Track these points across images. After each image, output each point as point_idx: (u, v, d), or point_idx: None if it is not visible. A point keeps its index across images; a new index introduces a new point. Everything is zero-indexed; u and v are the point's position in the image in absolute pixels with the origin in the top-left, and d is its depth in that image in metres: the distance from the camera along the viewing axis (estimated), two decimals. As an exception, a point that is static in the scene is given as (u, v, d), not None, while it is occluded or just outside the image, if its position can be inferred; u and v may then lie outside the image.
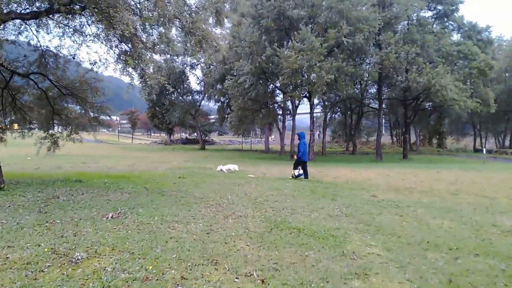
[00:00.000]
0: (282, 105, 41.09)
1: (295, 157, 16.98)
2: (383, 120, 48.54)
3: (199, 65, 53.39)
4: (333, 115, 60.29)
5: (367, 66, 34.58)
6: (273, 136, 67.46)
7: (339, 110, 57.12)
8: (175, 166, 22.68)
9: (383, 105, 39.20)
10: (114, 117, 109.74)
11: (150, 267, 4.86)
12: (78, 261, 5.02)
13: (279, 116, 44.76)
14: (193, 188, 12.21)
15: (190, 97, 58.55)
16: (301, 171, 16.37)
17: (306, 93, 31.22)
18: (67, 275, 4.56)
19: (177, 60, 53.36)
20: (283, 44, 29.86)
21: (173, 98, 57.30)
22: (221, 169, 19.32)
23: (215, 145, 72.89)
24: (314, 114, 34.71)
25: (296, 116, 40.91)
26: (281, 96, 37.43)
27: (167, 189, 11.90)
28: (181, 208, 8.85)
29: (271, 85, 36.74)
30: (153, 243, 5.91)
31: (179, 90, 57.00)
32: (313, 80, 27.38)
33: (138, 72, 10.99)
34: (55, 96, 14.06)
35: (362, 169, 23.29)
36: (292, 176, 16.29)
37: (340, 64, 27.00)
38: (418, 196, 12.16)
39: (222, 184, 13.56)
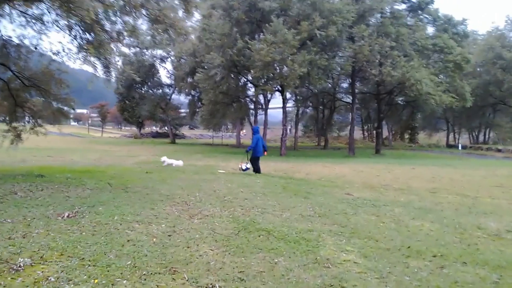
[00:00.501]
0: (254, 99, 40.38)
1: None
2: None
3: (169, 58, 52.67)
4: (305, 110, 59.87)
5: (341, 60, 34.11)
6: (244, 131, 66.97)
7: (311, 104, 56.63)
8: (143, 160, 21.97)
9: (356, 100, 38.92)
10: (84, 110, 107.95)
11: (100, 277, 4.15)
12: (20, 268, 4.27)
13: (251, 111, 44.26)
14: (159, 184, 11.44)
15: (161, 90, 57.60)
16: (249, 165, 16.01)
17: (278, 86, 30.66)
18: (4, 286, 3.85)
19: (147, 53, 52.49)
20: (255, 37, 29.19)
21: (143, 91, 56.25)
22: (164, 161, 18.74)
23: (186, 139, 71.76)
24: (287, 109, 34.29)
25: (269, 111, 40.40)
26: (253, 90, 36.71)
27: (132, 185, 11.12)
28: (145, 206, 8.14)
29: (243, 78, 36.04)
30: (108, 247, 5.19)
31: (149, 83, 56.13)
32: (286, 74, 26.83)
33: (101, 62, 10.16)
34: (18, 87, 13.12)
35: (335, 165, 22.94)
36: (240, 169, 15.99)
37: (313, 57, 26.51)
38: (395, 194, 11.69)
39: (190, 180, 12.80)
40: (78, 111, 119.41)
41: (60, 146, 35.10)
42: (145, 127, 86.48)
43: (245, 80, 36.68)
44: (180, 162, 18.96)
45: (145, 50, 52.31)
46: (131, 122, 69.19)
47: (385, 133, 59.57)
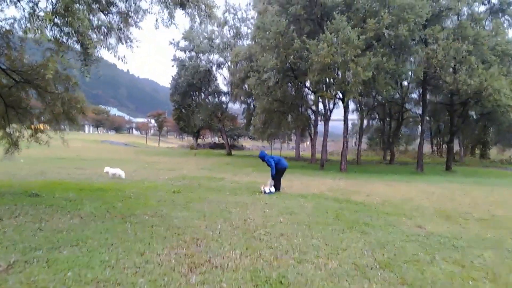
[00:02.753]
0: (313, 107, 37.58)
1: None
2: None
3: (227, 64, 50.62)
4: (371, 121, 56.57)
5: (411, 65, 30.74)
6: (308, 143, 63.85)
7: (377, 115, 53.45)
8: (182, 175, 19.86)
9: (426, 111, 35.21)
10: (143, 119, 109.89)
11: None
12: None
13: (311, 121, 41.51)
14: (177, 210, 9.43)
15: (217, 98, 55.85)
16: (272, 188, 13.90)
17: (339, 93, 27.82)
18: None
19: (202, 58, 51.13)
20: (314, 37, 26.40)
21: (198, 99, 55.05)
22: (107, 172, 17.15)
23: (244, 150, 70.01)
24: (350, 120, 31.40)
25: (331, 122, 37.47)
26: (313, 97, 33.97)
27: (141, 211, 9.13)
28: (133, 248, 6.11)
29: (300, 84, 33.10)
30: None
31: (205, 90, 54.78)
32: (348, 79, 24.01)
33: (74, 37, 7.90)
34: (7, 84, 10.99)
35: (401, 184, 19.98)
36: (262, 192, 13.67)
37: (379, 59, 23.53)
38: (478, 227, 9.12)
39: (221, 204, 10.73)
40: (140, 120, 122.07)
41: (103, 156, 34.03)
42: (204, 137, 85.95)
43: (303, 86, 33.83)
44: (121, 173, 17.22)
45: (201, 55, 51.04)
46: (187, 132, 68.04)
47: (455, 147, 54.82)
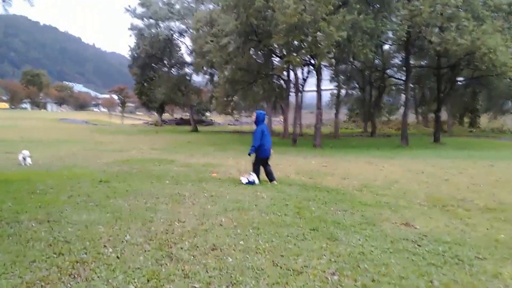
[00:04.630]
0: (284, 76, 35.30)
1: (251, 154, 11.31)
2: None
3: (188, 31, 47.90)
4: (350, 91, 54.35)
5: (392, 25, 28.57)
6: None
7: (357, 84, 51.20)
8: (126, 157, 17.76)
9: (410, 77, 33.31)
10: (106, 95, 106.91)
11: None
12: None
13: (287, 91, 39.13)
14: (84, 211, 7.43)
15: (181, 70, 53.30)
16: (253, 177, 11.00)
17: (310, 57, 25.62)
18: None
19: (162, 25, 48.44)
20: (280, -7, 24.02)
21: (160, 72, 52.40)
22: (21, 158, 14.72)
23: (214, 126, 67.75)
24: (328, 90, 29.57)
25: (308, 94, 35.52)
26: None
27: (32, 214, 7.12)
28: None
29: (267, 49, 30.50)
30: None
31: (166, 62, 52.25)
32: (319, 40, 21.83)
33: None
34: None
35: (384, 161, 18.15)
36: (240, 182, 11.02)
37: (355, 17, 21.36)
38: (485, 222, 7.42)
39: (151, 197, 8.83)
40: (106, 96, 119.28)
41: (50, 137, 31.43)
42: (172, 112, 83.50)
43: (270, 52, 31.27)
44: (26, 154, 14.83)
45: (160, 22, 48.60)
46: (150, 108, 65.71)
47: (442, 116, 53.39)
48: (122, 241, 5.71)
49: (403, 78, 34.57)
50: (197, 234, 6.15)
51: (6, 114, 70.24)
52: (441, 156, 20.47)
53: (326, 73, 44.27)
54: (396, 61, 43.36)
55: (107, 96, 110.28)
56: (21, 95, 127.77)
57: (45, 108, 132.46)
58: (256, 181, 10.84)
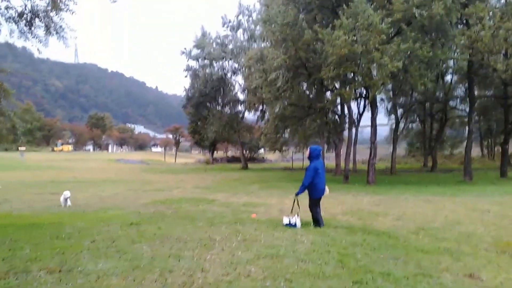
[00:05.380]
0: (337, 110, 33.94)
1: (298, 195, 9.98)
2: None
3: (241, 69, 47.78)
4: (409, 124, 52.08)
5: (451, 53, 26.71)
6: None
7: (417, 117, 48.99)
8: (166, 197, 17.15)
9: (474, 108, 31.05)
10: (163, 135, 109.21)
11: None
12: None
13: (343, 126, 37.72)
14: (102, 259, 6.80)
15: (234, 108, 53.27)
16: (295, 220, 9.75)
17: (362, 89, 24.21)
18: None
19: (215, 65, 49.07)
20: (328, 26, 22.93)
21: (214, 111, 52.30)
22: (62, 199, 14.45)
23: (265, 163, 67.15)
24: (384, 125, 28.02)
25: (365, 128, 33.79)
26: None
27: (45, 263, 6.57)
28: None
29: (319, 83, 28.98)
30: None
31: (220, 100, 52.50)
32: (373, 71, 20.50)
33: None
34: None
35: (445, 198, 16.47)
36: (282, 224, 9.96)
37: (411, 45, 19.87)
38: None
39: (178, 242, 8.04)
40: (163, 136, 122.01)
41: (101, 177, 31.60)
42: (226, 150, 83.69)
43: (321, 85, 29.80)
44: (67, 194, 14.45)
45: (214, 62, 49.46)
46: (202, 146, 65.67)
47: (510, 149, 49.81)
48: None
49: (466, 109, 31.98)
50: (229, 280, 5.52)
51: (68, 156, 72.63)
52: (509, 193, 18.36)
53: (384, 106, 42.80)
54: (459, 91, 41.19)
55: (164, 136, 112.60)
56: (85, 137, 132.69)
57: (107, 149, 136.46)
58: (298, 223, 9.68)
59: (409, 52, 20.51)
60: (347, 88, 22.74)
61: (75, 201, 15.19)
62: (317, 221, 9.80)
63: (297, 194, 9.83)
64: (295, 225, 9.62)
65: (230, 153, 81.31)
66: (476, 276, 5.83)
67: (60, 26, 9.81)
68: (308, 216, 10.04)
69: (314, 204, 9.87)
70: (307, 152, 10.05)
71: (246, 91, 44.60)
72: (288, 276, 5.70)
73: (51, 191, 19.02)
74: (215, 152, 71.79)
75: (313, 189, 9.73)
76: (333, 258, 6.69)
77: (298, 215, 9.81)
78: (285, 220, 9.87)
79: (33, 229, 9.56)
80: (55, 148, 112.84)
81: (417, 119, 49.80)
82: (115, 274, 5.92)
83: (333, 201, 15.10)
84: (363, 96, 26.22)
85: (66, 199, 14.12)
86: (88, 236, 8.60)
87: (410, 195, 17.72)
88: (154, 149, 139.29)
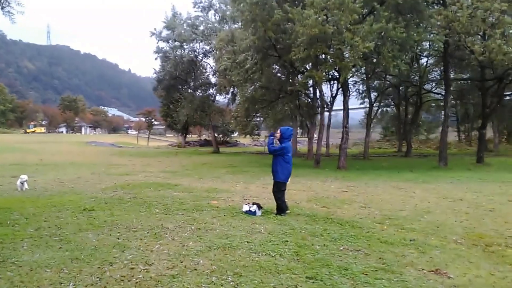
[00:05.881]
0: (310, 94, 33.23)
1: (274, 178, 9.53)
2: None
3: (212, 52, 46.94)
4: (384, 108, 51.76)
5: (427, 34, 25.93)
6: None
7: (392, 100, 48.51)
8: (131, 181, 16.65)
9: (450, 91, 30.43)
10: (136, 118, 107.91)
11: None
12: None
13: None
14: (41, 249, 6.48)
15: (206, 91, 52.57)
16: (254, 207, 9.31)
17: (334, 71, 23.44)
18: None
19: (186, 47, 48.45)
20: (299, 5, 22.06)
21: (185, 94, 51.73)
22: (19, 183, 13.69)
23: (239, 147, 66.95)
24: (360, 109, 27.30)
25: (338, 112, 33.15)
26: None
27: None
28: None
29: (289, 65, 28.28)
30: None
31: (191, 83, 51.83)
32: (344, 52, 19.69)
33: None
34: None
35: (417, 185, 15.99)
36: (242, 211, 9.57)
37: (383, 25, 19.10)
38: None
39: (128, 230, 7.73)
40: (137, 119, 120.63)
41: (67, 159, 30.65)
42: (199, 134, 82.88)
43: (292, 68, 28.92)
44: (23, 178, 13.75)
45: (185, 44, 48.61)
46: (175, 129, 64.78)
47: (488, 134, 49.63)
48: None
49: (443, 93, 31.62)
50: (159, 283, 4.98)
51: (39, 138, 71.21)
52: (485, 180, 17.80)
53: (358, 90, 42.22)
54: (435, 75, 40.76)
55: (137, 119, 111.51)
56: (58, 119, 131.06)
57: (80, 131, 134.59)
58: (258, 212, 9.22)
59: (382, 33, 19.81)
60: (318, 70, 21.97)
61: (34, 185, 14.55)
62: (281, 209, 9.26)
63: (271, 151, 9.45)
64: (254, 213, 9.16)
65: (204, 137, 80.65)
66: (442, 272, 5.38)
67: (6, 0, 9.65)
68: (272, 203, 9.61)
69: (280, 189, 9.33)
70: (277, 133, 9.39)
71: (217, 74, 43.55)
72: (238, 270, 5.39)
73: (12, 174, 18.12)
74: (188, 135, 71.12)
75: (281, 170, 9.22)
76: (289, 250, 6.39)
77: (253, 204, 9.39)
78: (245, 208, 9.51)
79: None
80: (28, 130, 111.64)
81: (392, 103, 49.41)
82: (50, 266, 5.58)
83: (299, 187, 14.62)
84: (336, 78, 25.42)
85: (22, 183, 13.46)
86: (34, 223, 8.32)
87: (381, 182, 17.17)
88: (130, 132, 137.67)
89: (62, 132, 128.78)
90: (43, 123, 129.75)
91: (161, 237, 7.20)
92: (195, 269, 5.44)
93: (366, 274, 5.23)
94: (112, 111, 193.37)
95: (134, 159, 33.61)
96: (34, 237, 7.13)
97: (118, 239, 7.03)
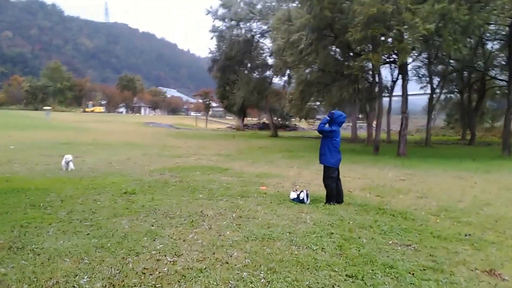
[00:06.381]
0: (370, 77, 32.71)
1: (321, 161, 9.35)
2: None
3: (270, 32, 46.16)
4: (448, 95, 50.11)
5: (492, 17, 24.49)
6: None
7: (455, 87, 46.72)
8: (182, 164, 16.73)
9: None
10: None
11: None
12: None
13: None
14: (67, 235, 6.27)
15: (263, 73, 51.74)
16: (302, 194, 9.15)
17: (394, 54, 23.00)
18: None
19: (243, 26, 47.58)
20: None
21: (241, 75, 51.15)
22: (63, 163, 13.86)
23: (297, 131, 66.16)
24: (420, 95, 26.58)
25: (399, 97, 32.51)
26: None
27: (4, 233, 6.24)
28: None
29: (343, 46, 27.44)
30: None
31: (248, 64, 51.16)
32: (403, 34, 19.30)
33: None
34: None
35: (478, 175, 15.35)
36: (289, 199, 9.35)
37: (446, 6, 18.48)
38: None
39: (168, 216, 7.58)
40: (194, 101, 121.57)
41: (121, 140, 31.33)
42: (259, 117, 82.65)
43: (348, 49, 28.12)
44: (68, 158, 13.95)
45: (241, 23, 47.64)
46: (232, 112, 64.97)
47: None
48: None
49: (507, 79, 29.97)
50: (183, 278, 4.64)
51: (97, 117, 72.96)
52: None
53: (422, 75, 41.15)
54: (500, 60, 38.96)
55: (195, 100, 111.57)
56: (117, 99, 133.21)
57: (139, 112, 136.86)
58: (306, 199, 9.05)
59: (444, 14, 19.04)
60: (375, 53, 21.60)
61: (81, 165, 14.88)
62: (330, 197, 9.05)
63: (321, 130, 9.11)
64: (303, 201, 9.00)
65: (263, 120, 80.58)
66: (497, 273, 4.98)
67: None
68: (323, 191, 9.34)
69: (330, 176, 9.05)
70: (331, 114, 9.16)
71: (274, 55, 43.09)
72: (272, 265, 5.04)
73: (61, 154, 18.82)
74: (246, 118, 70.96)
75: (329, 153, 9.00)
76: (333, 243, 6.05)
77: (302, 191, 9.21)
78: (292, 195, 9.31)
79: (13, 195, 9.10)
80: (86, 109, 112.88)
81: (456, 89, 47.76)
82: (71, 255, 5.30)
83: (355, 174, 14.37)
84: (394, 61, 24.92)
85: (67, 163, 13.67)
86: (69, 206, 8.12)
87: (441, 170, 16.72)
88: (192, 113, 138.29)
89: (121, 112, 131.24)
90: (102, 102, 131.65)
91: (198, 225, 6.99)
92: (227, 263, 5.18)
93: (412, 274, 4.89)
94: (171, 92, 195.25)
95: (190, 141, 33.91)
96: (63, 222, 6.97)
97: (152, 226, 6.84)
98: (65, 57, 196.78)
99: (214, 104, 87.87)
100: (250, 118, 76.66)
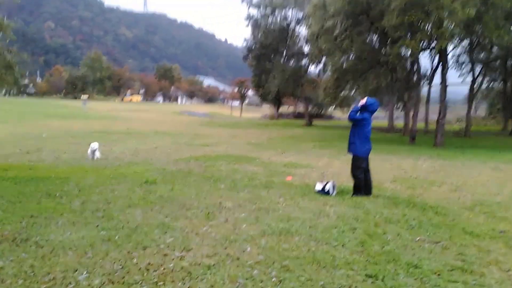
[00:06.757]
0: (407, 65, 32.04)
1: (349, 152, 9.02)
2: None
3: (305, 19, 45.81)
4: (491, 83, 48.09)
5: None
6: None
7: (499, 75, 44.78)
8: (210, 152, 16.81)
9: None
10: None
11: None
12: None
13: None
14: (78, 226, 6.02)
15: (299, 61, 51.54)
16: (328, 186, 8.78)
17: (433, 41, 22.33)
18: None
19: (278, 14, 47.40)
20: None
21: (276, 63, 51.12)
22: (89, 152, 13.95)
23: (333, 120, 65.73)
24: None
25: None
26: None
27: (11, 224, 6.01)
28: None
29: (380, 32, 27.02)
30: None
31: (283, 52, 51.13)
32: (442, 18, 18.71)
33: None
34: None
35: None
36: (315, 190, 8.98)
37: (489, -10, 17.85)
38: None
39: (184, 207, 7.27)
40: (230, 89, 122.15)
41: (154, 129, 31.46)
42: (296, 106, 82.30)
43: (385, 36, 27.19)
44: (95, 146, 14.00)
45: (276, 11, 47.59)
46: (267, 100, 64.61)
47: None
48: (69, 284, 4.07)
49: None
50: (188, 275, 4.32)
51: (134, 107, 73.97)
52: None
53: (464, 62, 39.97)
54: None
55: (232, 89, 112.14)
56: (154, 88, 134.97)
57: (176, 101, 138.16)
58: (332, 191, 8.73)
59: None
60: (413, 39, 21.03)
61: (108, 154, 15.01)
62: (358, 189, 8.72)
63: (351, 118, 8.92)
64: (328, 193, 8.68)
65: (300, 109, 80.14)
66: None
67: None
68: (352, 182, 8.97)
69: (359, 166, 8.73)
70: (363, 101, 8.86)
71: (309, 42, 42.45)
72: (286, 263, 4.72)
73: (91, 142, 19.21)
74: (282, 106, 70.65)
75: (359, 142, 8.67)
76: (355, 239, 5.69)
77: (328, 182, 8.88)
78: (318, 187, 8.96)
79: (32, 183, 9.01)
80: (124, 99, 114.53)
81: (499, 77, 46.09)
82: (75, 248, 5.05)
83: (387, 165, 14.05)
84: (433, 48, 24.23)
85: (93, 152, 13.74)
86: (85, 196, 7.95)
87: (479, 162, 16.19)
88: (229, 103, 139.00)
89: (159, 101, 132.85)
90: (140, 91, 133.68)
91: (214, 217, 6.69)
92: (238, 259, 4.84)
93: (438, 275, 4.49)
94: (208, 81, 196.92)
95: (222, 130, 34.04)
96: (75, 212, 6.76)
97: (166, 217, 6.57)
98: (105, 47, 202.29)
99: (250, 93, 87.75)
100: (288, 107, 76.21)
